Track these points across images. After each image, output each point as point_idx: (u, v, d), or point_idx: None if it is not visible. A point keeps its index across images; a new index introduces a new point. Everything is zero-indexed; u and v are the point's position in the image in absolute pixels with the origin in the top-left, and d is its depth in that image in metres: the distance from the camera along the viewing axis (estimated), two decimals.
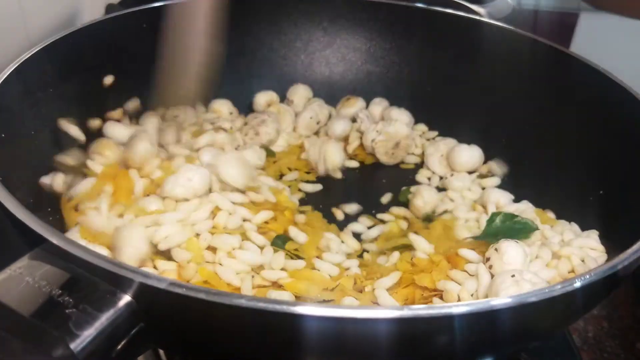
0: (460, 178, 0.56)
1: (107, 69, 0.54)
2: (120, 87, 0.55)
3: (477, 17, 0.64)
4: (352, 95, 0.66)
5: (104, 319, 0.27)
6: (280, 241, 0.46)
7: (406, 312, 0.27)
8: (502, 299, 0.28)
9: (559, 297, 0.29)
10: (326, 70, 0.67)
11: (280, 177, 0.57)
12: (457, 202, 0.54)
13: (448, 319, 0.27)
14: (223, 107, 0.62)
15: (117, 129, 0.52)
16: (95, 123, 0.53)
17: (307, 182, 0.56)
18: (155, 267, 0.41)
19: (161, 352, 0.43)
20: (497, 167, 0.59)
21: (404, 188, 0.56)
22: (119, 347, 0.28)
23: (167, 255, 0.42)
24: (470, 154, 0.58)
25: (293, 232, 0.47)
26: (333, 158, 0.57)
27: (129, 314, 0.28)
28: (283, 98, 0.66)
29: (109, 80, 0.54)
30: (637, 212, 0.44)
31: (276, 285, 0.42)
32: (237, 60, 0.64)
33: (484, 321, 0.29)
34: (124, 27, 0.55)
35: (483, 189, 0.56)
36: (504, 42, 0.60)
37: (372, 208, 0.54)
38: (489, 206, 0.51)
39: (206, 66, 0.49)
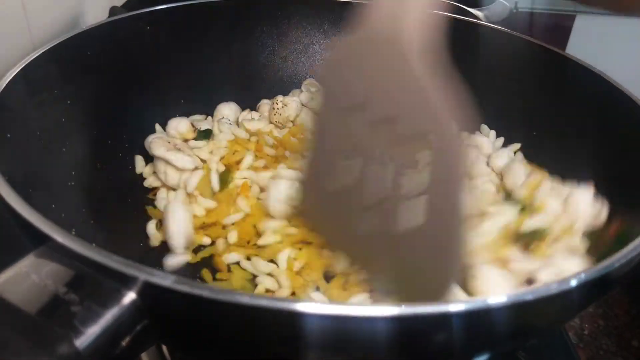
0: None
1: (110, 71, 0.54)
2: (123, 89, 0.56)
3: (474, 20, 0.64)
4: None
5: (108, 316, 0.27)
6: None
7: (405, 310, 0.27)
8: (498, 298, 0.28)
9: (555, 295, 0.29)
10: None
11: None
12: None
13: (446, 317, 0.28)
14: (228, 110, 0.62)
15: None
16: None
17: None
18: None
19: (164, 348, 0.43)
20: None
21: None
22: (124, 343, 0.28)
23: None
24: None
25: None
26: None
27: (133, 311, 0.28)
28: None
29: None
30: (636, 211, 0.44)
31: None
32: (239, 63, 0.65)
33: (481, 319, 0.29)
34: (127, 29, 0.55)
35: None
36: (501, 44, 0.60)
37: None
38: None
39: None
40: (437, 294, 0.36)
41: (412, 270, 0.37)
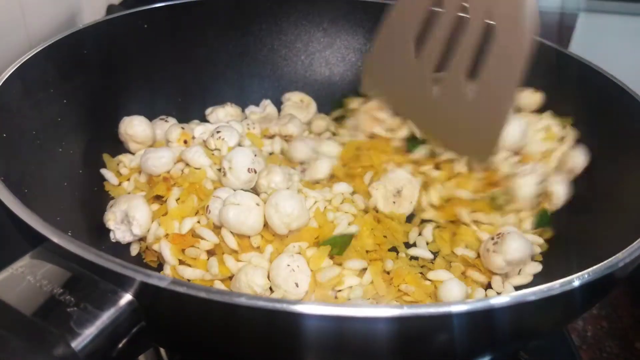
0: None
1: (107, 70, 0.54)
2: (119, 88, 0.55)
3: None
4: (351, 94, 0.66)
5: (105, 318, 0.27)
6: None
7: (406, 311, 0.27)
8: (501, 298, 0.28)
9: (557, 295, 0.29)
10: (326, 70, 0.67)
11: None
12: None
13: (447, 317, 0.27)
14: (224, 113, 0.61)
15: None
16: None
17: None
18: None
19: (162, 350, 0.43)
20: None
21: None
22: (120, 345, 0.28)
23: None
24: None
25: None
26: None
27: (130, 312, 0.28)
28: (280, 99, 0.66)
29: None
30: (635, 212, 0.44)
31: None
32: (238, 61, 0.64)
33: (483, 320, 0.29)
34: (125, 27, 0.55)
35: None
36: None
37: None
38: None
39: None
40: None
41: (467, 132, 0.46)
